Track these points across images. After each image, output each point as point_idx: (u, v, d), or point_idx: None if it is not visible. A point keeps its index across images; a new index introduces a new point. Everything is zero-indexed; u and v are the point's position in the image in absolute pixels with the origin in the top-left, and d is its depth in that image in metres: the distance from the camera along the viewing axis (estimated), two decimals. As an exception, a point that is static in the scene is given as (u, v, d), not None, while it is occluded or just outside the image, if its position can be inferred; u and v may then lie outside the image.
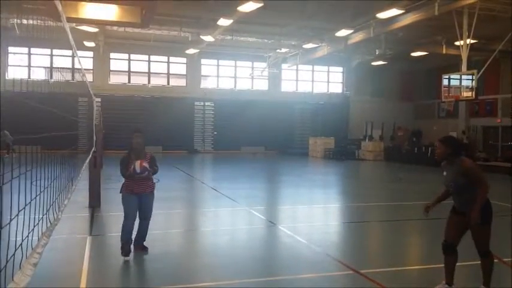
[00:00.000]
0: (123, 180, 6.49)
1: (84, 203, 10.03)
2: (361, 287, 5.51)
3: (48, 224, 3.05)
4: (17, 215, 2.40)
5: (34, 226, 2.70)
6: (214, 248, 7.27)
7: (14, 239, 2.47)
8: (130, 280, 5.88)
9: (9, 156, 18.72)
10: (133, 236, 6.49)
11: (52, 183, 3.61)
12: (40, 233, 2.81)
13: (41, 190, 3.02)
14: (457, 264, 5.13)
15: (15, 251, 2.25)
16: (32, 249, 2.49)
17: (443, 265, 5.15)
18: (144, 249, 6.59)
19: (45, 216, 3.11)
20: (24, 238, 2.47)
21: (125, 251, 6.28)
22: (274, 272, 6.18)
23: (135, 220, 6.41)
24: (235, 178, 17.65)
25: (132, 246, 6.45)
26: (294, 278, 5.80)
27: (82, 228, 8.38)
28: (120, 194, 6.44)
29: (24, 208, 2.43)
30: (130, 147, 6.46)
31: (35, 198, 2.79)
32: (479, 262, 5.04)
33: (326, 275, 5.93)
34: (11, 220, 2.32)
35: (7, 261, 2.03)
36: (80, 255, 6.40)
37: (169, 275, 5.79)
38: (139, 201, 6.39)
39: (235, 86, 32.89)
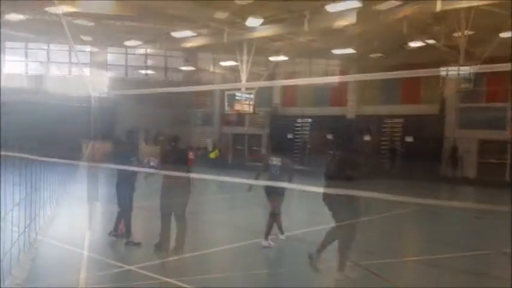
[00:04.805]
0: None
1: (83, 197, 9.97)
2: (361, 279, 5.53)
3: (46, 219, 3.06)
4: (12, 210, 2.40)
5: (30, 222, 2.71)
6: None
7: (10, 235, 2.47)
8: (131, 275, 5.87)
9: None
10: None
11: (50, 179, 3.62)
12: (38, 228, 2.82)
13: (31, 187, 3.02)
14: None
15: (11, 245, 2.25)
16: (30, 244, 2.50)
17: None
18: None
19: (42, 211, 3.12)
20: (20, 234, 2.46)
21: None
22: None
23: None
24: None
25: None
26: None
27: (81, 223, 8.35)
28: None
29: (18, 204, 2.44)
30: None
31: (26, 195, 2.80)
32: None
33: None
34: (5, 215, 2.32)
35: (4, 255, 2.05)
36: (79, 249, 6.38)
37: (175, 271, 5.77)
38: None
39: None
